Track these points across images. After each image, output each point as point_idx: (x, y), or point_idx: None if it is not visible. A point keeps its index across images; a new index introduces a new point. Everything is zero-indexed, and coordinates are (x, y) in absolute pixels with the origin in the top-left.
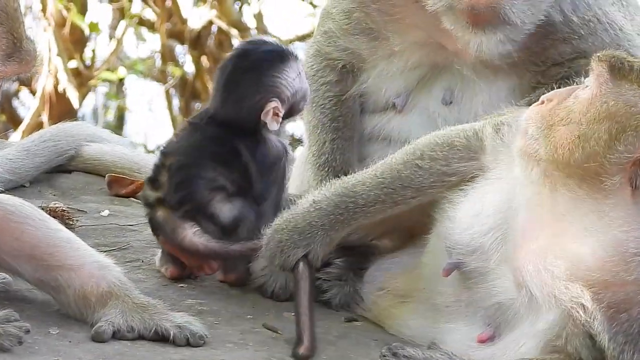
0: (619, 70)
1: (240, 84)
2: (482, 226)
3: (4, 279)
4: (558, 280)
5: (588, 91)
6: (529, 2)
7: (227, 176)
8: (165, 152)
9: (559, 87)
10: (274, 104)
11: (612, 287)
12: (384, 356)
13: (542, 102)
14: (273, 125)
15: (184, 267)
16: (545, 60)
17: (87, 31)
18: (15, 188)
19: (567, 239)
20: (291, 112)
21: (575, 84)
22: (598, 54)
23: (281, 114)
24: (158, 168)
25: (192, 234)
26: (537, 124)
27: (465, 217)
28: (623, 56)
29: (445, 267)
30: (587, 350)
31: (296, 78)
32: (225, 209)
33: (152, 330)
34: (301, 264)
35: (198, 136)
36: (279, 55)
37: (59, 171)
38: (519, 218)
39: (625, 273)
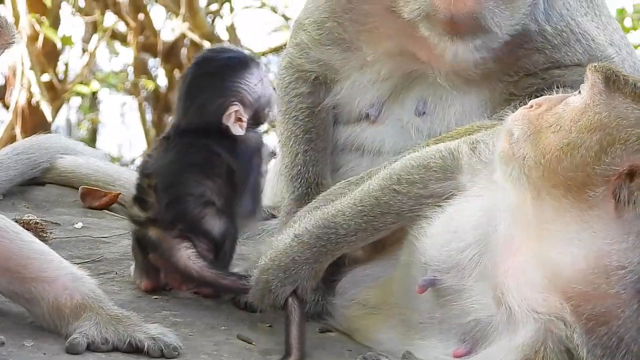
0: (613, 83)
1: (201, 89)
2: (459, 243)
3: None
4: (538, 292)
5: (580, 99)
6: (508, 11)
7: (212, 187)
8: (147, 174)
9: (533, 98)
10: (236, 107)
11: (592, 300)
12: None
13: (531, 107)
14: (237, 130)
15: (159, 280)
16: (518, 70)
17: (59, 45)
18: None
19: (548, 248)
20: (257, 119)
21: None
22: (594, 64)
23: (244, 119)
24: (143, 189)
25: (188, 258)
26: (525, 128)
27: (442, 233)
28: (619, 69)
29: (420, 283)
30: None
31: (258, 84)
32: (216, 225)
33: (126, 342)
34: (290, 300)
35: (173, 150)
36: (240, 61)
37: (32, 184)
38: (499, 234)
39: (606, 286)
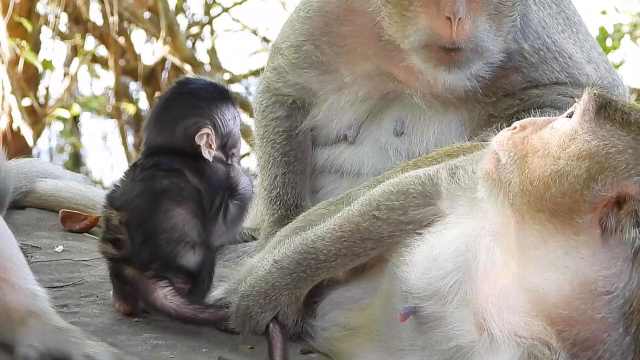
0: (605, 110)
1: (178, 106)
2: (439, 270)
3: None
4: (520, 317)
5: (569, 125)
6: (499, 30)
7: (183, 215)
8: (116, 206)
9: (512, 122)
10: (208, 131)
11: (577, 325)
12: None
13: (515, 128)
14: (206, 153)
15: (137, 304)
16: (497, 91)
17: (40, 69)
18: None
19: (532, 273)
20: (223, 152)
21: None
22: (595, 92)
23: (214, 147)
24: (114, 226)
25: (164, 297)
26: (510, 151)
27: (423, 261)
28: (612, 97)
29: (401, 312)
30: None
31: (232, 120)
32: (191, 259)
33: (59, 355)
34: (271, 326)
35: (140, 179)
36: (220, 91)
37: (12, 207)
38: (479, 260)
39: (592, 311)
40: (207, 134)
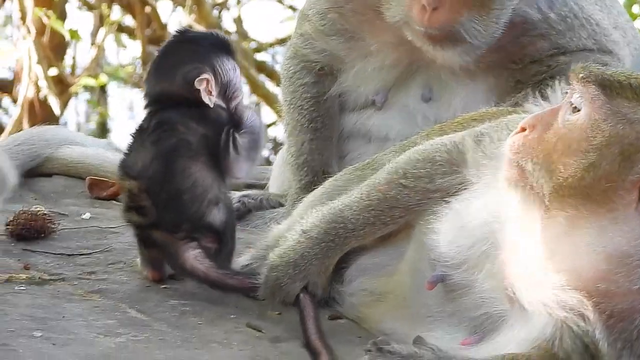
0: (612, 89)
1: (178, 53)
2: (467, 239)
3: None
4: (553, 292)
5: (584, 116)
6: (483, 23)
7: (199, 171)
8: (132, 176)
9: (540, 88)
10: (207, 76)
11: (615, 297)
12: (369, 351)
13: (523, 129)
14: (206, 99)
15: (163, 270)
16: (523, 57)
17: (67, 37)
18: None
19: (564, 257)
20: (224, 101)
21: (556, 84)
22: (580, 75)
23: (214, 93)
24: (135, 195)
25: (194, 258)
26: (532, 157)
27: (450, 229)
28: (608, 73)
29: (429, 279)
30: (579, 355)
31: (232, 70)
32: (216, 217)
33: None
34: (302, 296)
35: (148, 145)
36: (221, 42)
37: (39, 175)
38: (506, 233)
39: (629, 283)
40: (207, 80)
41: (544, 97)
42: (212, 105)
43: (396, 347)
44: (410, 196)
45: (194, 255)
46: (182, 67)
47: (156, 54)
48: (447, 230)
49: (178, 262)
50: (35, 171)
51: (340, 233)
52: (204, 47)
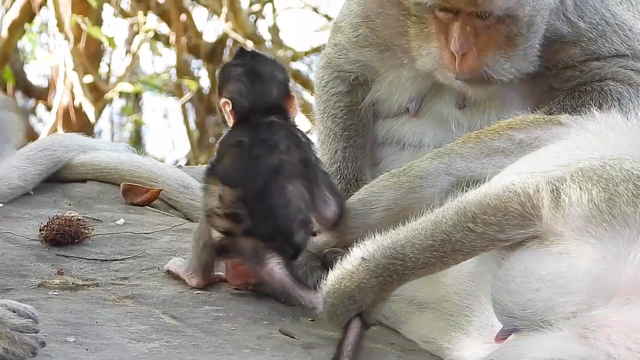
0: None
1: (267, 68)
2: (546, 302)
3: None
4: None
5: None
6: (512, 60)
7: (293, 191)
8: (229, 184)
9: (573, 94)
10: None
11: None
12: None
13: None
14: (294, 110)
15: (211, 277)
16: (556, 64)
17: (106, 43)
18: (24, 196)
19: None
20: None
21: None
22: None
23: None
24: (230, 202)
25: (276, 264)
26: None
27: (522, 287)
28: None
29: (500, 334)
30: None
31: None
32: (302, 236)
33: None
34: (353, 321)
35: (249, 157)
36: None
37: (73, 180)
38: (597, 290)
39: None
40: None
41: (578, 105)
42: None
43: None
44: (476, 242)
45: (276, 262)
46: (277, 79)
47: (237, 73)
48: (517, 287)
49: (255, 267)
50: (67, 177)
51: (399, 270)
52: (278, 66)
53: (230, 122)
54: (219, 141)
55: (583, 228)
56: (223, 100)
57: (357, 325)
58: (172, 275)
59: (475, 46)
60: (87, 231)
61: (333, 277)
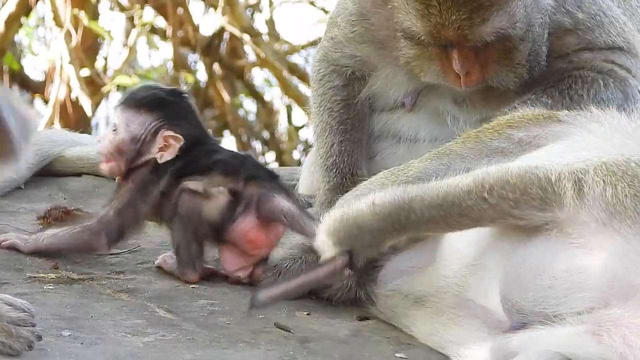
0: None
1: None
2: (559, 298)
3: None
4: None
5: None
6: (513, 70)
7: None
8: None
9: (567, 83)
10: None
11: None
12: None
13: None
14: None
15: (204, 271)
16: (550, 53)
17: (105, 36)
18: (18, 190)
19: None
20: None
21: (581, 80)
22: None
23: None
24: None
25: (281, 199)
26: None
27: (534, 284)
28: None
29: (509, 329)
30: None
31: None
32: None
33: None
34: (341, 256)
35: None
36: None
37: (68, 174)
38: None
39: None
40: None
41: (568, 95)
42: None
43: None
44: (487, 212)
45: (282, 197)
46: None
47: (184, 101)
48: (531, 287)
49: (267, 204)
50: (63, 171)
51: (401, 220)
52: None
53: None
54: None
55: (607, 222)
56: None
57: (344, 260)
58: (164, 270)
59: (477, 63)
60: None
61: (337, 212)
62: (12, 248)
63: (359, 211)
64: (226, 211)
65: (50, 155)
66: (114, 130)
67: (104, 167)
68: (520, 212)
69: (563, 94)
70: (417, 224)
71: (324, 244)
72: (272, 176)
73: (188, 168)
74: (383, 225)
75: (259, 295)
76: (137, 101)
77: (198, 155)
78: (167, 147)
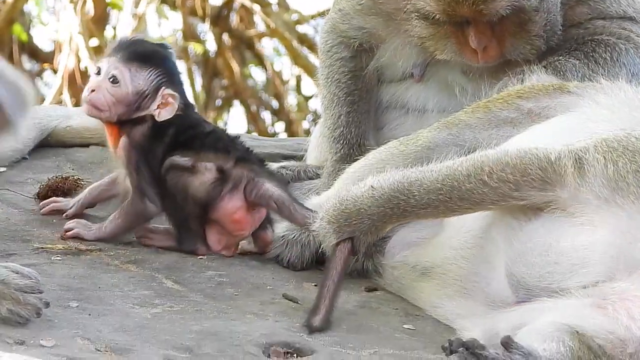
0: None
1: None
2: (564, 274)
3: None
4: None
5: None
6: (530, 42)
7: None
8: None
9: (591, 46)
10: None
11: None
12: (456, 352)
13: None
14: None
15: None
16: (564, 22)
17: (115, 5)
18: (25, 161)
19: None
20: None
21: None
22: None
23: None
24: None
25: (271, 186)
26: None
27: (539, 260)
28: None
29: (514, 300)
30: None
31: None
32: None
33: None
34: (341, 245)
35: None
36: None
37: (75, 145)
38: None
39: None
40: None
41: (593, 58)
42: None
43: (490, 352)
44: (487, 195)
45: (271, 183)
46: None
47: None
48: (534, 259)
49: (256, 188)
50: (70, 141)
51: (400, 205)
52: None
53: None
54: None
55: (610, 198)
56: None
57: (347, 247)
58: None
59: (493, 38)
60: (81, 188)
61: (336, 198)
62: (77, 237)
63: (358, 197)
64: (212, 188)
65: (48, 129)
66: (112, 80)
67: (91, 113)
68: (521, 193)
69: (588, 57)
70: (417, 209)
71: (325, 230)
72: (260, 161)
73: (180, 139)
74: (383, 211)
75: (313, 322)
76: (141, 55)
77: (190, 125)
78: (164, 105)
